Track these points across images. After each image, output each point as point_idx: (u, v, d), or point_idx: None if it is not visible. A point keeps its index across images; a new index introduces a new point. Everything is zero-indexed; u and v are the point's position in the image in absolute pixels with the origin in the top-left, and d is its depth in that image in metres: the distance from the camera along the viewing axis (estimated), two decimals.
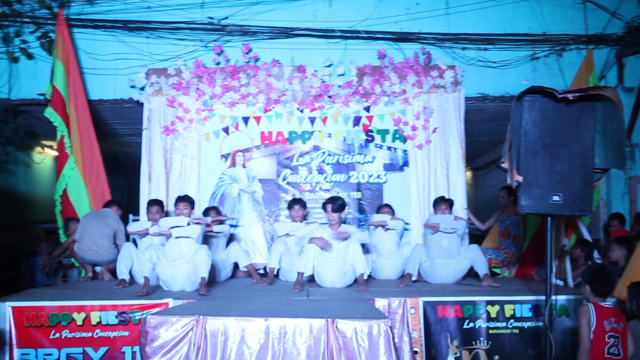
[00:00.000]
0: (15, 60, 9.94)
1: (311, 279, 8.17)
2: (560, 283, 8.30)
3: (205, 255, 7.41)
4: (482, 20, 10.14)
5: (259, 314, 5.62)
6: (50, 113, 9.32)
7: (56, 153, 9.85)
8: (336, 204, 7.92)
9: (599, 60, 10.01)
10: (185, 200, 7.83)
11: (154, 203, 8.48)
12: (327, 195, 9.67)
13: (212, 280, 8.09)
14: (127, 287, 7.91)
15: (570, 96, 5.25)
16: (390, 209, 9.16)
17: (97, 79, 10.06)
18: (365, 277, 7.72)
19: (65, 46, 9.46)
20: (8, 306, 6.45)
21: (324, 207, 8.09)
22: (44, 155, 13.69)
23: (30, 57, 9.90)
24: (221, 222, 8.79)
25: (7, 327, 6.42)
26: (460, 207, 9.55)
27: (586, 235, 8.68)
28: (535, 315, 6.67)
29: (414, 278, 8.33)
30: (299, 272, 7.86)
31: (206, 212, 9.10)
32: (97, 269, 9.16)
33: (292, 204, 8.89)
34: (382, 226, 8.72)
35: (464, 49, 10.17)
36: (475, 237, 10.09)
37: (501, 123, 6.57)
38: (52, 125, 9.49)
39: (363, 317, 5.42)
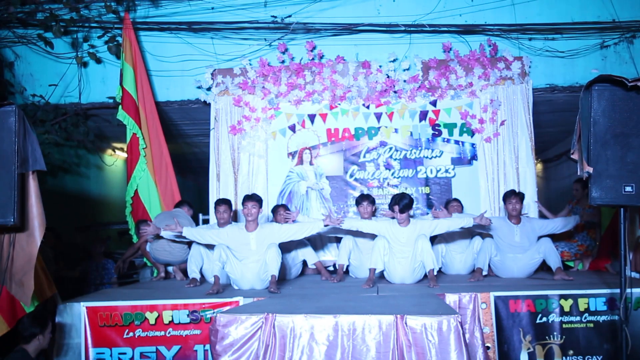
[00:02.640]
0: (85, 65, 10.14)
1: (381, 276, 8.15)
2: (636, 276, 8.13)
3: (275, 253, 7.43)
4: (549, 9, 9.96)
5: (327, 310, 5.64)
6: (123, 115, 9.43)
7: (126, 155, 9.99)
8: (402, 204, 7.85)
9: None
10: (253, 199, 7.78)
11: (222, 202, 8.42)
12: (395, 191, 9.67)
13: (282, 278, 8.14)
14: (198, 286, 8.00)
15: None
16: (459, 204, 9.07)
17: (163, 81, 10.19)
18: (435, 272, 7.66)
19: (132, 49, 9.59)
20: (83, 306, 6.57)
21: (390, 207, 8.04)
22: (114, 157, 13.92)
23: (98, 61, 10.09)
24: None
25: (82, 327, 6.53)
26: (531, 199, 9.44)
27: None
28: (610, 308, 6.52)
29: (484, 273, 8.26)
30: (370, 269, 7.86)
31: (275, 210, 9.12)
32: (170, 268, 9.28)
33: (360, 200, 8.76)
34: None
35: (530, 39, 10.01)
36: None
37: (571, 113, 6.45)
38: (121, 127, 9.66)
39: (433, 313, 5.39)
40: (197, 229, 8.22)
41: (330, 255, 9.69)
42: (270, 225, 8.03)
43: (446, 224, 7.98)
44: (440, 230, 8.01)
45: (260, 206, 7.89)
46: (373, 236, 8.14)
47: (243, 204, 7.80)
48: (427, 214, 9.61)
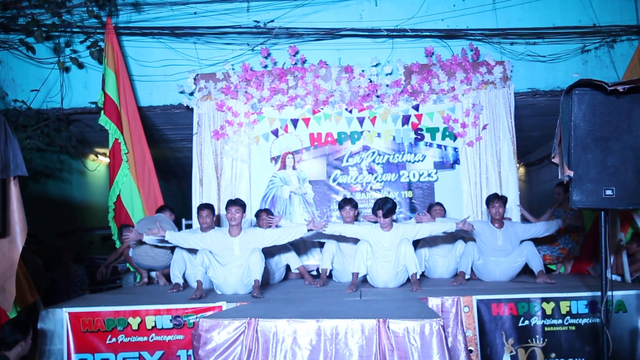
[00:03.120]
0: (67, 70, 10.13)
1: (364, 280, 8.16)
2: (617, 278, 8.18)
3: (259, 257, 7.43)
4: (530, 14, 10.02)
5: (310, 315, 5.64)
6: (104, 121, 9.42)
7: (109, 160, 9.97)
8: (385, 209, 7.88)
9: None
10: (237, 204, 7.81)
11: (204, 207, 8.38)
12: (378, 195, 9.72)
13: (265, 283, 8.12)
14: (181, 291, 7.97)
15: (620, 88, 5.15)
16: (441, 207, 9.10)
17: (146, 86, 10.18)
18: (417, 276, 7.68)
19: (114, 54, 9.57)
20: (65, 312, 6.55)
21: (374, 212, 8.06)
22: (97, 163, 13.89)
23: (80, 66, 10.05)
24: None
25: (64, 333, 6.51)
26: (513, 203, 9.46)
27: None
28: (591, 311, 6.57)
29: (467, 276, 8.28)
30: (353, 273, 7.86)
31: (258, 215, 9.11)
32: (153, 274, 9.26)
33: (342, 204, 8.78)
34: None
35: (512, 44, 10.07)
36: None
37: (553, 117, 6.47)
38: (104, 132, 9.63)
39: (415, 317, 5.39)
40: (180, 233, 8.20)
41: (313, 259, 9.69)
42: (253, 230, 8.03)
43: (429, 229, 8.00)
44: (423, 234, 8.03)
45: (244, 211, 7.89)
46: (356, 240, 8.15)
47: (226, 208, 7.80)
48: (411, 218, 9.64)
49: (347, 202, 8.73)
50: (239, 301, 6.84)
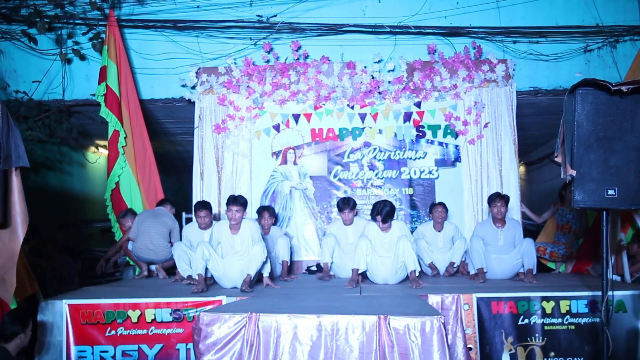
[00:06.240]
0: (69, 61, 10.10)
1: (364, 276, 8.16)
2: (618, 278, 8.18)
3: (260, 251, 7.39)
4: (533, 12, 10.01)
5: (311, 310, 5.63)
6: (105, 112, 9.41)
7: (108, 152, 9.95)
8: (384, 213, 7.88)
9: None
10: (238, 204, 7.60)
11: (202, 207, 8.39)
12: (379, 192, 9.80)
13: (271, 277, 8.02)
14: (193, 284, 7.87)
15: (624, 88, 5.13)
16: (443, 208, 8.92)
17: (148, 79, 10.17)
18: (417, 273, 7.67)
19: (116, 46, 9.56)
20: (65, 304, 6.53)
21: (373, 217, 8.04)
22: (98, 155, 13.86)
23: (82, 58, 10.03)
24: None
25: (64, 325, 6.50)
26: (514, 201, 9.44)
27: None
28: (591, 311, 6.56)
29: (485, 270, 8.19)
30: (353, 269, 7.87)
31: (260, 212, 9.10)
32: (152, 267, 9.24)
33: (342, 207, 8.66)
34: None
35: (515, 42, 10.06)
36: (530, 231, 9.96)
37: (554, 117, 6.49)
38: (104, 124, 9.61)
39: (416, 314, 5.39)
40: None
41: (313, 254, 9.72)
42: (255, 226, 7.82)
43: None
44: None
45: (245, 210, 7.78)
46: (355, 236, 8.17)
47: (227, 206, 7.67)
48: (411, 216, 9.68)
49: (346, 205, 8.61)
50: (238, 295, 6.86)
